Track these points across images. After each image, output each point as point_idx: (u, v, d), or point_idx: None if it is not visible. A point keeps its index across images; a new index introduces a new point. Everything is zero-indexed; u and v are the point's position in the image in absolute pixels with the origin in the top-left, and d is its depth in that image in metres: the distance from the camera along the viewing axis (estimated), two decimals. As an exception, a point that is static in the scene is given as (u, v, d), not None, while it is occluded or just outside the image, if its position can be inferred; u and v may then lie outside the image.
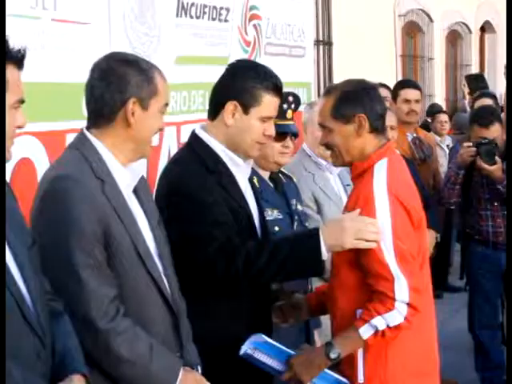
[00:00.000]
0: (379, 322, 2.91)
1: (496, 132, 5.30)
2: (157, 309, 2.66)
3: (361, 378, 3.01)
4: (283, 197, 3.88)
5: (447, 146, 8.64)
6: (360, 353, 3.00)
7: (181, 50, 4.68)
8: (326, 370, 3.02)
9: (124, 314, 2.53)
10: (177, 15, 4.75)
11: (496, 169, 5.17)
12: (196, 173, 2.97)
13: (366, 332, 2.92)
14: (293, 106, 3.84)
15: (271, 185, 3.88)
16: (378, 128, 3.12)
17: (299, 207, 3.98)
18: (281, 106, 3.24)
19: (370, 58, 9.04)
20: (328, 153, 4.35)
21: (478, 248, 5.36)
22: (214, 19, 5.13)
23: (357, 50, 8.77)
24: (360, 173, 3.09)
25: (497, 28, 14.05)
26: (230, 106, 3.00)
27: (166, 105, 2.72)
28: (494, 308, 5.66)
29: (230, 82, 3.03)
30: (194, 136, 3.08)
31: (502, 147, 5.31)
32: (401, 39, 10.82)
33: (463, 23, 13.03)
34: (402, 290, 2.91)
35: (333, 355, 2.94)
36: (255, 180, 3.66)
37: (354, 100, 3.08)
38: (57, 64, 3.60)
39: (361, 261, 2.97)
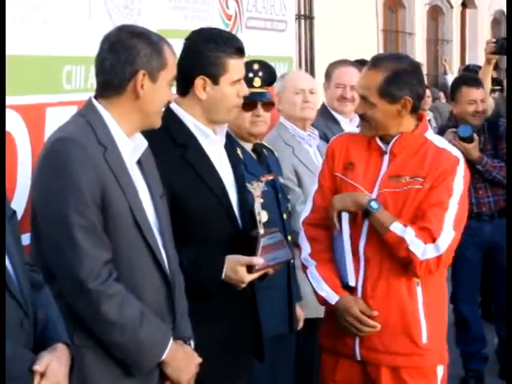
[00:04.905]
0: (409, 236, 3.04)
1: (482, 95, 5.44)
2: (150, 277, 2.66)
3: (424, 338, 3.16)
4: (266, 169, 3.87)
5: (428, 120, 8.65)
6: (422, 315, 3.13)
7: (161, 23, 4.61)
8: None
9: (116, 280, 2.53)
10: (157, -12, 4.70)
11: (472, 147, 5.25)
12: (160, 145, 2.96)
13: (396, 229, 3.04)
14: (260, 73, 3.81)
15: (254, 156, 3.87)
16: (417, 109, 3.20)
17: (281, 180, 3.98)
18: (246, 75, 3.22)
19: (351, 33, 9.02)
20: (307, 123, 4.38)
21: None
22: (194, -8, 5.08)
23: (338, 25, 8.75)
24: (408, 143, 3.16)
25: (478, 3, 14.07)
26: (200, 81, 3.03)
27: (174, 78, 2.74)
28: (475, 280, 5.69)
29: (194, 57, 3.03)
30: (167, 109, 3.05)
31: (483, 110, 5.43)
32: (382, 14, 10.81)
33: (445, -2, 13.03)
34: (445, 239, 3.05)
35: (374, 204, 3.07)
36: (239, 151, 3.65)
37: (404, 82, 3.12)
38: (36, 37, 3.55)
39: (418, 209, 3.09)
